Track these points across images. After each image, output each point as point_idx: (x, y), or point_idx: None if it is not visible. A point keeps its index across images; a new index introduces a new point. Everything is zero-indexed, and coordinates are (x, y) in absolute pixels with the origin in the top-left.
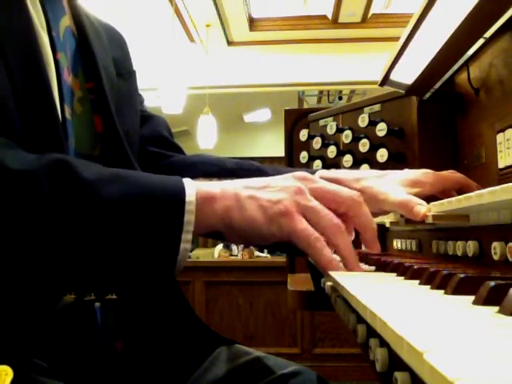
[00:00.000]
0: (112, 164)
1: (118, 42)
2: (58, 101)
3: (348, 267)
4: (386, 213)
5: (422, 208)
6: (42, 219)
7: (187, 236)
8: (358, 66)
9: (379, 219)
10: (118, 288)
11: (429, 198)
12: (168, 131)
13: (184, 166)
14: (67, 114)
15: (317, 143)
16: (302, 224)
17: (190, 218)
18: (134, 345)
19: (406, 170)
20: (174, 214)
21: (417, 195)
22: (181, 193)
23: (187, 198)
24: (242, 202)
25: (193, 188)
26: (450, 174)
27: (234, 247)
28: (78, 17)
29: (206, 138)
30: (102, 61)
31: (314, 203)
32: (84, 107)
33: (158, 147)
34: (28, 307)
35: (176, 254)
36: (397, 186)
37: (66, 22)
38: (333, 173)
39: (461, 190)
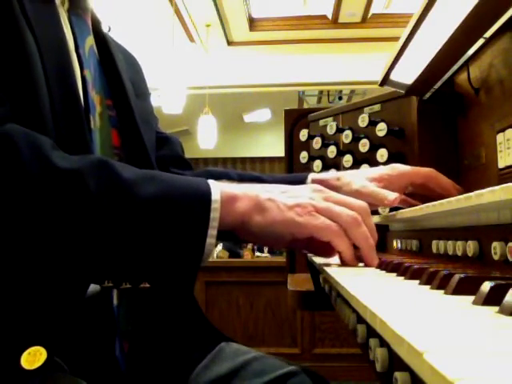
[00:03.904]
0: None
1: (133, 65)
2: (85, 112)
3: (365, 258)
4: None
5: (391, 194)
6: (88, 214)
7: (212, 232)
8: (357, 66)
9: (378, 219)
10: (148, 277)
11: (422, 197)
12: (182, 150)
13: None
14: (92, 125)
15: (317, 143)
16: (320, 218)
17: (215, 215)
18: (140, 346)
19: (377, 167)
20: (201, 211)
21: (386, 188)
22: (207, 192)
23: (213, 197)
24: (262, 204)
25: (217, 188)
26: (417, 169)
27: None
28: (101, 38)
29: (206, 138)
30: (125, 81)
31: (327, 204)
32: (102, 121)
33: (177, 167)
34: (65, 293)
35: (203, 248)
36: (368, 182)
37: (90, 41)
38: (320, 175)
39: (429, 184)
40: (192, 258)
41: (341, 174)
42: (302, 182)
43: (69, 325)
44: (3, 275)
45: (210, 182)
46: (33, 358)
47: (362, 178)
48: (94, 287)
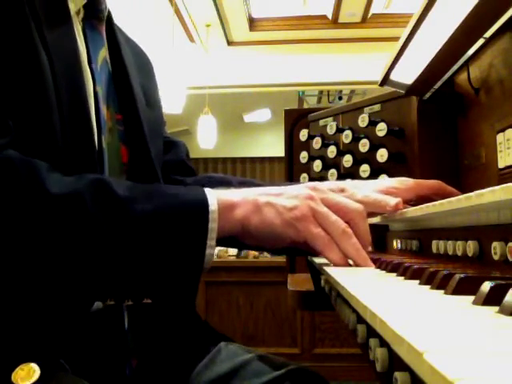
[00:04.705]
0: None
1: (146, 69)
2: (96, 131)
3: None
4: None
5: (393, 200)
6: (86, 235)
7: (211, 242)
8: (358, 66)
9: (379, 219)
10: (150, 293)
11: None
12: (187, 155)
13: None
14: (104, 144)
15: (317, 143)
16: (317, 228)
17: (213, 225)
18: (147, 360)
19: (384, 180)
20: (199, 223)
21: None
22: (204, 203)
23: (210, 208)
24: (261, 207)
25: (214, 197)
26: (425, 181)
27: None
28: (116, 49)
29: (206, 138)
30: (137, 94)
31: (325, 209)
32: (112, 137)
33: (180, 173)
34: (66, 310)
35: (202, 259)
36: (371, 192)
37: (103, 53)
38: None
39: (435, 196)
40: (192, 269)
41: (344, 185)
42: None
43: (74, 343)
44: (4, 292)
45: (207, 191)
46: (26, 374)
47: (366, 189)
48: (96, 305)
